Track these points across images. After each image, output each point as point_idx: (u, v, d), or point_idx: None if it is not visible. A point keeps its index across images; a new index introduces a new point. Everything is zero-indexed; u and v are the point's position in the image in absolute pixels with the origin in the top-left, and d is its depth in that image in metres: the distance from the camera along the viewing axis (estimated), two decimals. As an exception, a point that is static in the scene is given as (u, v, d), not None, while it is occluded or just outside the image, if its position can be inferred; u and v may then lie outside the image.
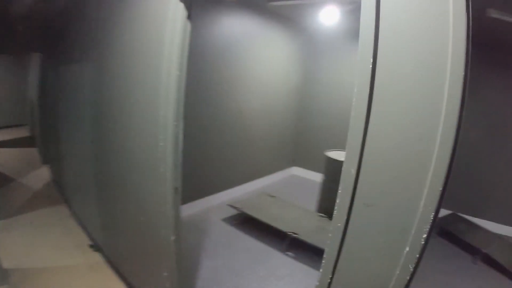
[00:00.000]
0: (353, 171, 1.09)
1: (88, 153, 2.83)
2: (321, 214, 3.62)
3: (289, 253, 3.03)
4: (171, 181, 1.80)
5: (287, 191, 4.80)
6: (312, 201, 4.10)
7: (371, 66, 1.03)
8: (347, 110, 4.77)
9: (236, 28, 3.85)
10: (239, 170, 4.45)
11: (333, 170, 3.60)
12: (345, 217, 1.12)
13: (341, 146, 4.41)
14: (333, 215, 1.16)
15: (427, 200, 0.98)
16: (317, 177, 5.27)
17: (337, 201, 1.14)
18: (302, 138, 5.54)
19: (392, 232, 1.06)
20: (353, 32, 4.67)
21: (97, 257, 2.85)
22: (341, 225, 1.13)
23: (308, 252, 2.97)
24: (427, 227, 0.99)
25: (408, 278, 1.03)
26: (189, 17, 1.70)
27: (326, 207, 3.68)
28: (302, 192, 4.86)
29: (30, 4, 3.84)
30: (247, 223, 3.51)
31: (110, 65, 2.29)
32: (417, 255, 1.01)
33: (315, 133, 5.40)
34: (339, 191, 1.13)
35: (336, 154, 3.70)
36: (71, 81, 3.27)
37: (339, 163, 3.49)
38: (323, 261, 1.22)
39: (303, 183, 5.35)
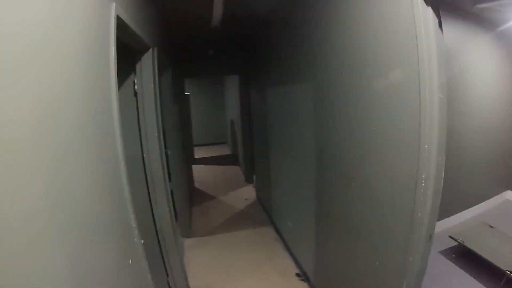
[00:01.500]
0: None
1: (307, 179, 2.59)
2: None
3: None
4: (427, 228, 1.53)
5: (505, 220, 3.74)
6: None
7: None
8: None
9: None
10: (455, 195, 3.74)
11: None
12: None
13: None
14: None
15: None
16: None
17: None
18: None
19: None
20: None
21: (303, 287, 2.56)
22: None
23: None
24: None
25: None
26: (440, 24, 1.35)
27: None
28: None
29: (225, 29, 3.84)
30: (465, 256, 3.04)
31: (335, 79, 2.04)
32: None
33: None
34: None
35: None
36: (284, 101, 3.08)
37: None
38: None
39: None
